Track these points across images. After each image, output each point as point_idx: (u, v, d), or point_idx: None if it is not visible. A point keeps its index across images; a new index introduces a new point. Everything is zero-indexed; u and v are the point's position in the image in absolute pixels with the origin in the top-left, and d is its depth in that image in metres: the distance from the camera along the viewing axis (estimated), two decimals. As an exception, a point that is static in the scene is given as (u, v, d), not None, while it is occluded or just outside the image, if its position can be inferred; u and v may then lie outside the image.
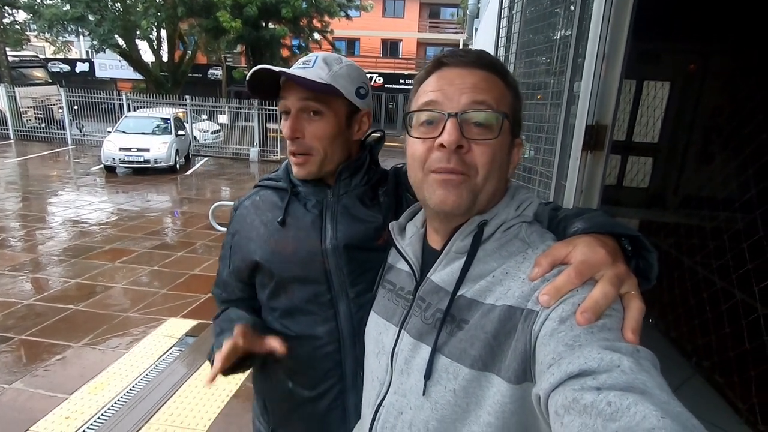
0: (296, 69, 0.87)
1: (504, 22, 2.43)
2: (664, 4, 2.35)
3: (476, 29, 6.49)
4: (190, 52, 17.75)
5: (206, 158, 13.03)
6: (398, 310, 0.73)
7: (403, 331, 0.70)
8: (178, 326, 3.57)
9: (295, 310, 0.92)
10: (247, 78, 0.85)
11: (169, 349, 3.24)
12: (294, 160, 0.90)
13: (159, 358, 3.11)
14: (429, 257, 0.71)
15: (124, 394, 2.69)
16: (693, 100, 3.53)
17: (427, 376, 0.63)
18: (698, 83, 3.50)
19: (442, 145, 0.61)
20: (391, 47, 25.04)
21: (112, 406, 2.58)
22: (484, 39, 4.67)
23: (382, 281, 0.82)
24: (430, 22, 24.97)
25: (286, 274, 0.91)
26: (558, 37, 1.86)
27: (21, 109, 13.87)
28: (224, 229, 1.06)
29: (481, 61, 0.65)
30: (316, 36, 15.17)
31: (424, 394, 0.63)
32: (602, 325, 0.49)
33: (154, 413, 2.49)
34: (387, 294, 0.78)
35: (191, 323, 3.62)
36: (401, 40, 24.62)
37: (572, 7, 1.59)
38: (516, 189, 0.71)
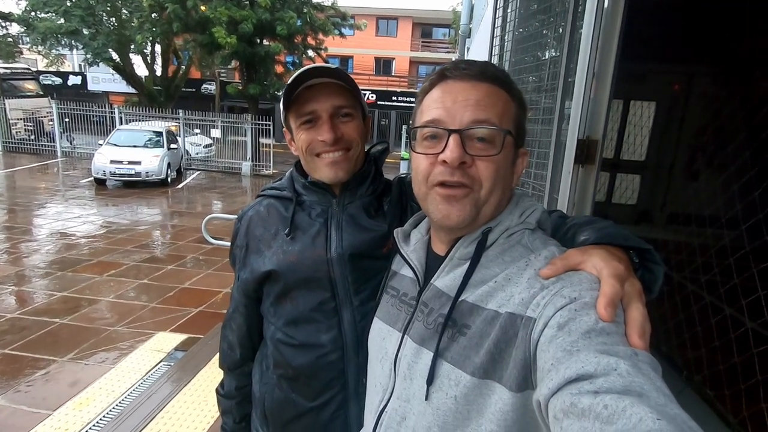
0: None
1: (496, 42, 2.50)
2: (647, 26, 2.44)
3: (468, 48, 6.64)
4: (184, 66, 17.85)
5: (198, 172, 12.99)
6: (401, 315, 0.73)
7: (406, 336, 0.70)
8: (166, 340, 3.51)
9: (299, 319, 0.93)
10: (293, 78, 0.84)
11: (158, 364, 3.17)
12: (331, 159, 0.88)
13: (147, 373, 3.04)
14: (433, 263, 0.72)
15: (110, 410, 2.62)
16: (678, 119, 3.64)
17: (430, 380, 0.63)
18: (683, 103, 3.62)
19: (444, 162, 0.62)
20: (384, 65, 25.43)
21: (97, 422, 2.51)
22: (476, 58, 4.78)
23: (385, 287, 0.82)
24: (422, 42, 25.48)
25: (292, 283, 0.92)
26: (548, 56, 1.92)
27: (10, 121, 13.75)
28: (217, 242, 1.07)
29: (485, 74, 0.64)
30: (311, 53, 15.35)
31: (427, 399, 0.63)
32: (600, 329, 0.50)
33: (141, 430, 2.42)
34: (390, 300, 0.78)
35: (180, 337, 3.55)
36: (394, 58, 25.04)
37: (561, 29, 1.65)
38: (520, 197, 0.71)
